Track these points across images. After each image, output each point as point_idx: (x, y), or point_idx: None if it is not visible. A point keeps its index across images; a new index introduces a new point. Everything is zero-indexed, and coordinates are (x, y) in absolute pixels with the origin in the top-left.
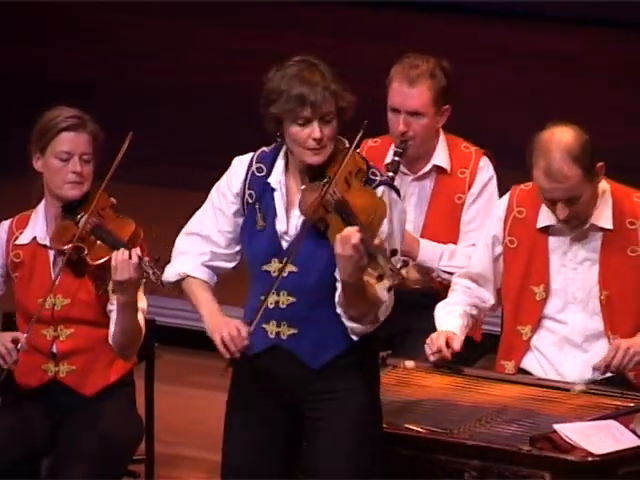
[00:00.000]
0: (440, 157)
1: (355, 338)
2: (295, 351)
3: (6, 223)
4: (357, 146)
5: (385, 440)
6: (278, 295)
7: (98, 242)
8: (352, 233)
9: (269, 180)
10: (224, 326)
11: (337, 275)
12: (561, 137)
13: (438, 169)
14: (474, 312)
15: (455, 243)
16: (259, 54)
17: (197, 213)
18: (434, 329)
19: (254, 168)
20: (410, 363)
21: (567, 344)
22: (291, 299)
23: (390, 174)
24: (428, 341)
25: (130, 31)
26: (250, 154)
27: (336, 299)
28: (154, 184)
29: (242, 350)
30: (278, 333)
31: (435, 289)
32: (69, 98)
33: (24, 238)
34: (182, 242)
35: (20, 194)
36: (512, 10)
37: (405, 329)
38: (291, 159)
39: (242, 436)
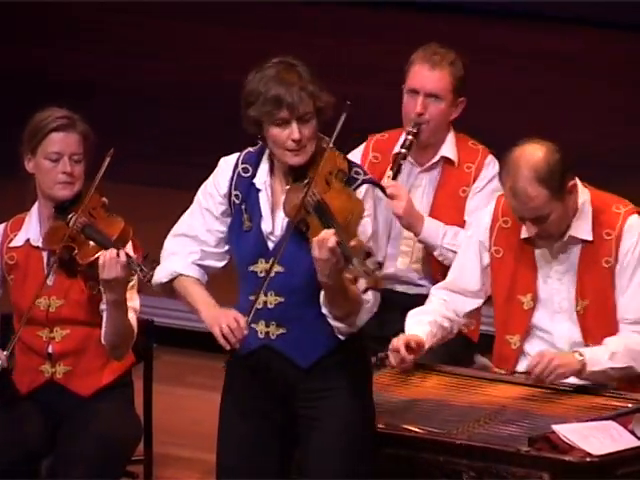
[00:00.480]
0: (448, 149)
1: (342, 337)
2: (284, 350)
3: (0, 226)
4: (365, 141)
5: (384, 441)
6: (266, 295)
7: (88, 242)
8: (328, 236)
9: (254, 181)
10: (222, 318)
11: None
12: (529, 157)
13: (446, 161)
14: (445, 324)
15: None
16: (259, 54)
17: (184, 215)
18: None
19: (240, 169)
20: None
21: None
22: (279, 299)
23: (403, 150)
24: (390, 345)
25: (130, 31)
26: (236, 154)
27: (321, 299)
28: (154, 184)
29: (242, 341)
30: (267, 333)
31: (433, 280)
32: (69, 98)
33: (18, 240)
34: (171, 243)
35: (20, 194)
36: (512, 10)
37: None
38: (275, 160)
39: (236, 436)
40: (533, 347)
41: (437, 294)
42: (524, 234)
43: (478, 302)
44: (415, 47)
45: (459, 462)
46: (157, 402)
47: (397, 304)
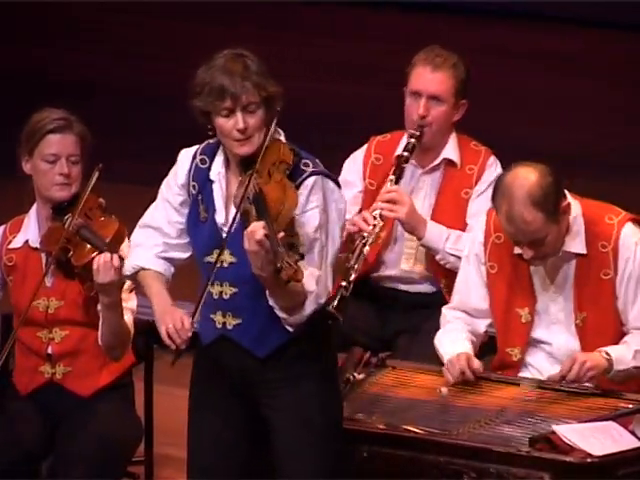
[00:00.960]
0: (451, 151)
1: (290, 329)
2: (241, 341)
3: (0, 228)
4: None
5: (384, 441)
6: (221, 286)
7: (83, 243)
8: (257, 229)
9: (209, 172)
10: (169, 318)
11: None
12: (523, 181)
13: (448, 163)
14: (474, 339)
15: None
16: (259, 54)
17: (151, 206)
18: (434, 330)
19: (198, 160)
20: (444, 390)
21: (556, 362)
22: (233, 289)
23: (405, 153)
24: (447, 365)
25: (130, 31)
26: (196, 146)
27: (267, 291)
28: (154, 184)
29: (186, 342)
30: (224, 323)
31: (436, 281)
32: (69, 98)
33: (17, 242)
34: (136, 235)
35: (20, 194)
36: (512, 10)
37: (405, 330)
38: (227, 151)
39: (204, 433)
40: (535, 359)
41: (451, 313)
42: (517, 250)
43: (490, 320)
44: (415, 47)
45: (460, 463)
46: (158, 403)
47: (399, 303)
